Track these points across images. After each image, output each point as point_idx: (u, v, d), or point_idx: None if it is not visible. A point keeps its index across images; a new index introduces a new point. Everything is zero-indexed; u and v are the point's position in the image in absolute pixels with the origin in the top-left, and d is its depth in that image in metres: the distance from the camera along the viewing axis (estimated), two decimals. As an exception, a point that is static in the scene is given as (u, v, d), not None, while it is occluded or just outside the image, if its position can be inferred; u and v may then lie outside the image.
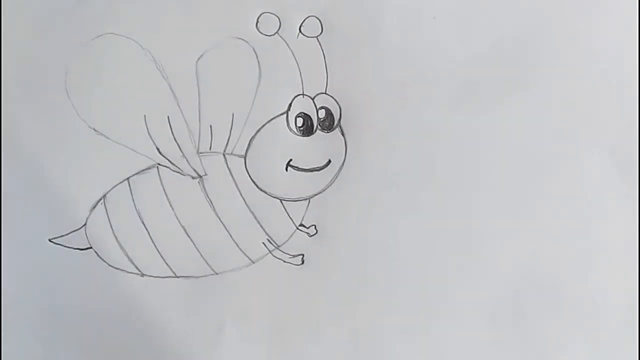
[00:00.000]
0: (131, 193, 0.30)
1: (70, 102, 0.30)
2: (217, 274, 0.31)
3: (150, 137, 0.30)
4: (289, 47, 0.30)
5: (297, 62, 0.30)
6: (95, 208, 0.30)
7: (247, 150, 0.30)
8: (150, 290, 0.30)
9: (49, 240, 0.30)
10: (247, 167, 0.30)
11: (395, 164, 0.31)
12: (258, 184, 0.30)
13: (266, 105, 0.30)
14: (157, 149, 0.30)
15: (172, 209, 0.30)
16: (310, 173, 0.31)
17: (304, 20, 0.31)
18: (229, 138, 0.30)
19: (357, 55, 0.31)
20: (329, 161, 0.31)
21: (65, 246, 0.30)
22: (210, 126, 0.30)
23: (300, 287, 0.31)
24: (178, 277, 0.30)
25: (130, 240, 0.30)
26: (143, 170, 0.30)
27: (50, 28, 0.30)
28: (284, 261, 0.31)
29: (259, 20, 0.30)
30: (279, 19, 0.30)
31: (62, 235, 0.30)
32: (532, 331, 0.31)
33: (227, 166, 0.30)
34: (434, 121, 0.31)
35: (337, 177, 0.31)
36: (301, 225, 0.31)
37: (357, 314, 0.31)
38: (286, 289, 0.31)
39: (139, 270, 0.30)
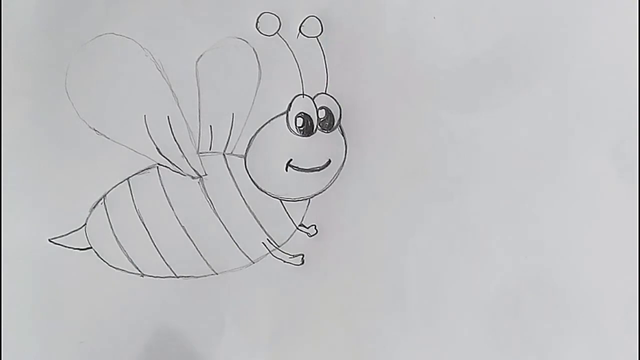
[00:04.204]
0: (131, 193, 0.30)
1: (70, 102, 0.30)
2: (217, 274, 0.30)
3: (150, 137, 0.30)
4: (289, 47, 0.30)
5: (297, 62, 0.30)
6: (95, 208, 0.30)
7: (247, 150, 0.30)
8: (150, 290, 0.30)
9: (49, 240, 0.30)
10: (247, 167, 0.30)
11: (396, 164, 0.31)
12: (258, 184, 0.30)
13: (266, 105, 0.30)
14: (157, 149, 0.30)
15: (172, 209, 0.30)
16: (310, 173, 0.31)
17: (304, 20, 0.31)
18: (229, 138, 0.30)
19: (357, 55, 0.31)
20: (329, 161, 0.31)
21: (65, 246, 0.30)
22: (210, 126, 0.30)
23: (300, 287, 0.31)
24: (178, 277, 0.30)
25: (130, 240, 0.30)
26: (143, 170, 0.30)
27: (50, 28, 0.30)
28: (284, 261, 0.31)
29: (259, 20, 0.30)
30: (279, 19, 0.30)
31: (62, 235, 0.30)
32: (532, 331, 0.31)
33: (227, 166, 0.30)
34: (433, 121, 0.31)
35: (337, 177, 0.31)
36: (301, 225, 0.31)
37: (357, 314, 0.31)
38: (286, 289, 0.31)
39: (139, 270, 0.30)
